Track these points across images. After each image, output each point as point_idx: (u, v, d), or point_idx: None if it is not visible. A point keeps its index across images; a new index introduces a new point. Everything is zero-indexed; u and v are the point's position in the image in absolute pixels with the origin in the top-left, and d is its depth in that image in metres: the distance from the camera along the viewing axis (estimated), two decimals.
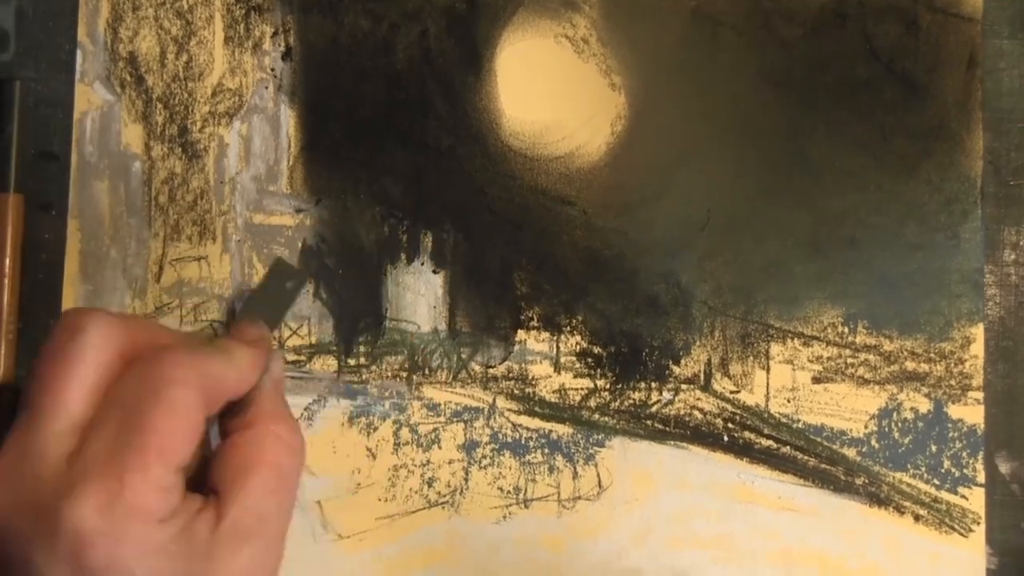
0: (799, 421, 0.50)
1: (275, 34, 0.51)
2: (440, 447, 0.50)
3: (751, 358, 0.51)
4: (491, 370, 0.51)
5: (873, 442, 0.50)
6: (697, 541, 0.50)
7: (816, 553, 0.50)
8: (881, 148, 0.51)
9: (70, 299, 0.50)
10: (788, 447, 0.50)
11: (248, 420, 0.38)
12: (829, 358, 0.51)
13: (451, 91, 0.51)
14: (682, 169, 0.51)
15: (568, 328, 0.51)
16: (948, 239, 0.51)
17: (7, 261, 0.49)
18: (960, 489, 0.50)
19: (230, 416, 0.39)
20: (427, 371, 0.51)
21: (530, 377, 0.51)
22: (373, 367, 0.50)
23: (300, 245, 0.51)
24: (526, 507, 0.50)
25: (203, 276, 0.51)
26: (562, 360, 0.51)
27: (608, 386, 0.51)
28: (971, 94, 0.51)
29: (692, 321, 0.51)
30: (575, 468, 0.50)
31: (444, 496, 0.50)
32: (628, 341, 0.51)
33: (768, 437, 0.50)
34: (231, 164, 0.51)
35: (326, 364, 0.51)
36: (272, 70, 0.51)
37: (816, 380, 0.51)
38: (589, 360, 0.51)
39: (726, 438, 0.50)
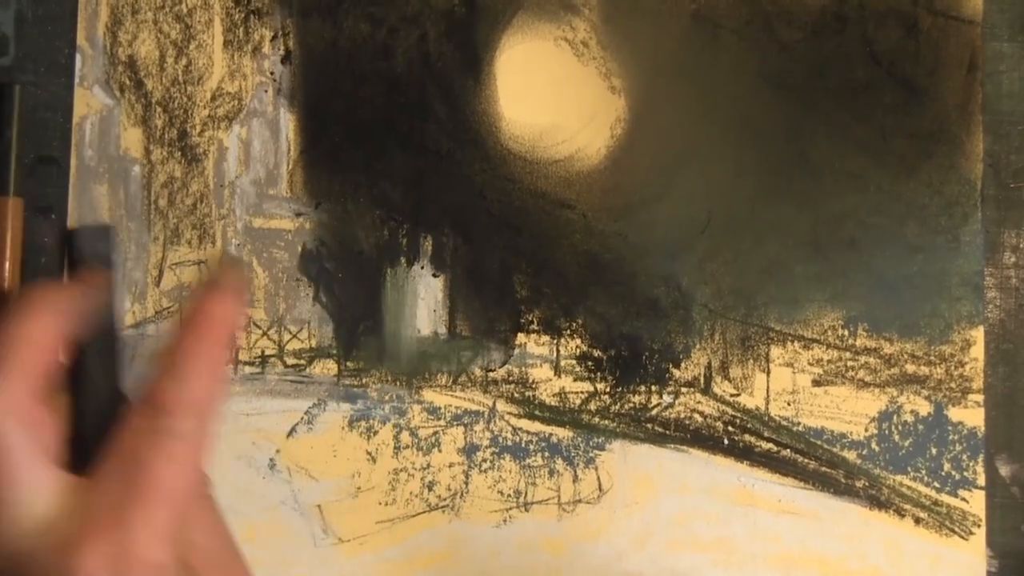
0: (799, 424, 0.50)
1: (274, 38, 0.51)
2: (440, 451, 0.50)
3: (751, 361, 0.51)
4: (491, 374, 0.51)
5: (873, 445, 0.50)
6: (697, 544, 0.50)
7: (816, 556, 0.50)
8: (881, 150, 0.51)
9: None
10: (788, 450, 0.50)
11: None
12: (829, 361, 0.51)
13: (450, 95, 0.51)
14: (682, 172, 0.51)
15: (568, 331, 0.51)
16: (948, 242, 0.51)
17: (7, 264, 0.49)
18: (960, 492, 0.50)
19: None
20: (427, 375, 0.51)
21: (530, 381, 0.51)
22: (373, 371, 0.50)
23: (300, 249, 0.51)
24: (526, 510, 0.50)
25: (203, 280, 0.51)
26: (562, 363, 0.51)
27: (608, 389, 0.51)
28: (971, 97, 0.51)
29: (692, 324, 0.51)
30: (575, 471, 0.50)
31: (444, 500, 0.50)
32: (628, 344, 0.51)
33: (768, 440, 0.50)
34: (231, 168, 0.51)
35: (326, 368, 0.51)
36: (271, 74, 0.51)
37: (816, 383, 0.51)
38: (589, 363, 0.51)
39: (726, 441, 0.50)
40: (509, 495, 0.50)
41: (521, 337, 0.51)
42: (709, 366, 0.51)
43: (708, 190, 0.51)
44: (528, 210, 0.51)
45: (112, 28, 0.51)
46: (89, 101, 0.51)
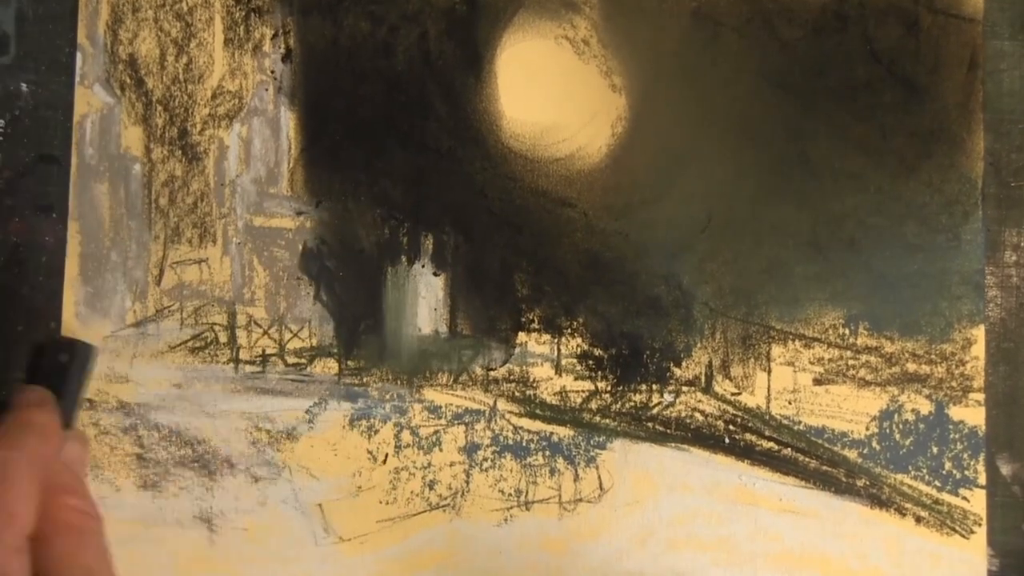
0: (800, 423, 0.50)
1: (275, 36, 0.51)
2: (441, 449, 0.50)
3: (752, 360, 0.51)
4: (492, 372, 0.51)
5: (874, 444, 0.50)
6: (698, 543, 0.50)
7: (817, 555, 0.50)
8: (882, 149, 0.51)
9: (71, 301, 0.50)
10: (789, 449, 0.50)
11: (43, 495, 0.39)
12: (830, 360, 0.51)
13: (451, 93, 0.51)
14: (683, 171, 0.51)
15: (569, 330, 0.51)
16: (949, 240, 0.51)
17: None
18: (961, 491, 0.50)
19: None
20: (428, 373, 0.50)
21: (531, 379, 0.51)
22: (374, 369, 0.50)
23: (300, 247, 0.51)
24: (527, 509, 0.50)
25: (204, 279, 0.51)
26: (563, 362, 0.51)
27: (609, 388, 0.51)
28: (972, 95, 0.51)
29: (693, 323, 0.51)
30: (576, 470, 0.50)
31: (445, 499, 0.50)
32: (629, 343, 0.51)
33: (769, 439, 0.50)
34: (231, 167, 0.51)
35: (327, 367, 0.50)
36: (272, 72, 0.51)
37: (817, 382, 0.51)
38: (590, 362, 0.51)
39: (727, 440, 0.50)
40: (510, 494, 0.50)
41: (522, 336, 0.51)
42: (710, 365, 0.51)
43: (709, 189, 0.51)
44: (529, 209, 0.51)
45: (113, 26, 0.51)
46: (90, 99, 0.51)
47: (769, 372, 0.51)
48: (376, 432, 0.50)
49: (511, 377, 0.51)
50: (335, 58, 0.51)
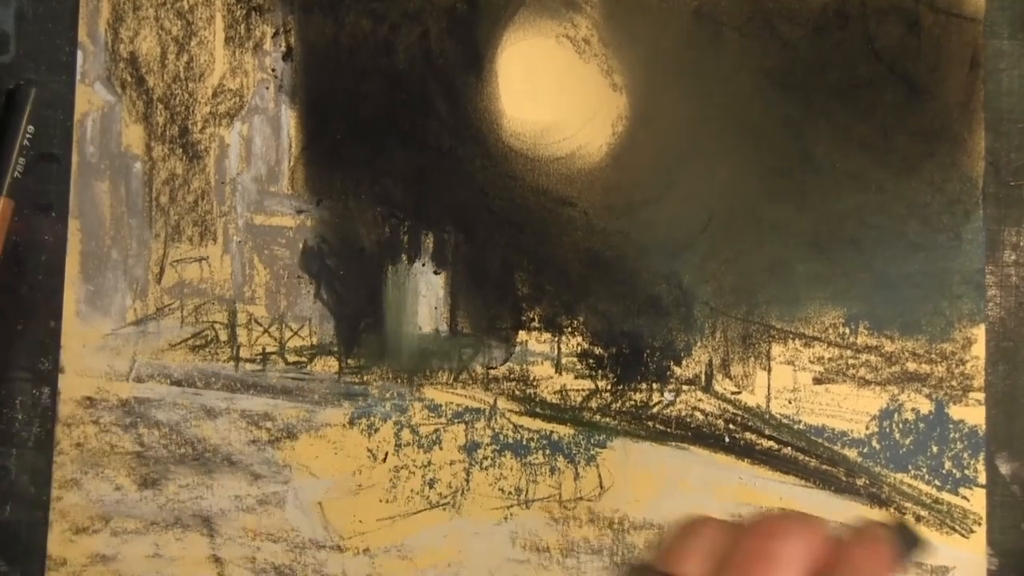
0: (800, 422, 0.50)
1: (276, 34, 0.51)
2: (441, 448, 0.50)
3: (752, 359, 0.51)
4: (492, 371, 0.51)
5: (874, 443, 0.50)
6: None
7: None
8: (883, 148, 0.51)
9: (71, 299, 0.50)
10: (789, 448, 0.50)
11: None
12: (830, 359, 0.51)
13: (452, 91, 0.51)
14: (683, 170, 0.51)
15: (569, 329, 0.51)
16: (950, 240, 0.51)
17: None
18: (961, 490, 0.50)
19: None
20: (428, 372, 0.51)
21: (531, 378, 0.51)
22: (374, 368, 0.50)
23: (301, 246, 0.51)
24: (527, 508, 0.50)
25: (204, 277, 0.51)
26: (563, 361, 0.51)
27: (609, 387, 0.51)
28: (973, 94, 0.51)
29: (693, 322, 0.51)
30: (576, 469, 0.50)
31: (445, 497, 0.50)
32: (629, 342, 0.51)
33: (769, 438, 0.50)
34: (232, 165, 0.51)
35: (327, 365, 0.51)
36: (273, 70, 0.51)
37: (817, 381, 0.51)
38: (590, 361, 0.51)
39: (727, 439, 0.50)
40: (510, 492, 0.50)
41: (522, 335, 0.51)
42: (710, 364, 0.51)
43: (709, 188, 0.51)
44: (529, 207, 0.51)
45: (114, 25, 0.51)
46: (91, 98, 0.51)
47: (769, 371, 0.51)
48: (376, 430, 0.50)
49: (511, 376, 0.51)
50: (336, 56, 0.51)
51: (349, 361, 0.50)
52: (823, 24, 0.51)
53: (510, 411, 0.50)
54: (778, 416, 0.50)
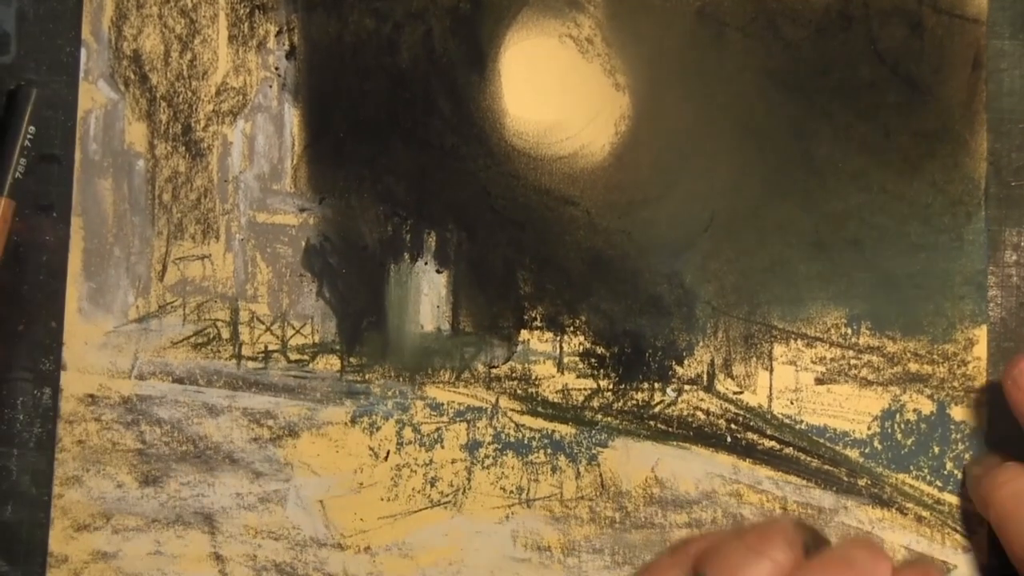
0: (802, 422, 0.50)
1: (279, 33, 0.51)
2: (443, 447, 0.50)
3: (754, 359, 0.51)
4: (494, 370, 0.51)
5: (876, 443, 0.50)
6: None
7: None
8: (885, 149, 0.51)
9: (73, 297, 0.50)
10: (791, 448, 0.50)
11: None
12: (832, 359, 0.51)
13: (455, 90, 0.51)
14: (686, 169, 0.51)
15: (571, 328, 0.51)
16: (952, 240, 0.51)
17: None
18: (963, 491, 0.50)
19: None
20: (430, 371, 0.51)
21: (533, 377, 0.51)
22: (376, 367, 0.50)
23: (303, 244, 0.51)
24: (529, 507, 0.50)
25: (206, 275, 0.51)
26: (565, 360, 0.51)
27: (611, 386, 0.51)
28: (976, 95, 0.51)
29: (695, 321, 0.51)
30: (578, 468, 0.50)
31: (447, 496, 0.50)
32: (631, 341, 0.51)
33: (771, 438, 0.50)
34: (235, 163, 0.51)
35: (329, 363, 0.51)
36: (276, 69, 0.51)
37: (819, 381, 0.51)
38: (592, 360, 0.51)
39: (729, 439, 0.50)
40: (511, 491, 0.50)
41: (524, 334, 0.51)
42: (712, 363, 0.51)
43: (712, 188, 0.51)
44: (532, 206, 0.51)
45: (117, 22, 0.51)
46: (94, 95, 0.51)
47: (771, 371, 0.51)
48: (378, 429, 0.50)
49: (513, 375, 0.51)
50: (339, 55, 0.51)
51: (351, 359, 0.50)
52: (826, 25, 0.51)
53: (512, 410, 0.50)
54: (780, 416, 0.50)
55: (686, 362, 0.51)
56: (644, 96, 0.51)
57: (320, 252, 0.51)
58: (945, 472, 0.50)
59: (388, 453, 0.50)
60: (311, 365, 0.50)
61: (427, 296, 0.51)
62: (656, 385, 0.51)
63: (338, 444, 0.50)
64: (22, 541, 0.51)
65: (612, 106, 0.51)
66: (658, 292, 0.51)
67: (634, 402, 0.51)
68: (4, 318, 0.51)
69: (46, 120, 0.51)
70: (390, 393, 0.50)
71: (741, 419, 0.51)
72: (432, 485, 0.50)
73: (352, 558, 0.50)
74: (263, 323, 0.51)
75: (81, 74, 0.51)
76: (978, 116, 0.51)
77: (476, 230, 0.51)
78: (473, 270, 0.51)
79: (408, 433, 0.50)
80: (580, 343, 0.51)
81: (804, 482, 0.50)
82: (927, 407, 0.50)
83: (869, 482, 0.50)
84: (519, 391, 0.51)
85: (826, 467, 0.50)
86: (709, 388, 0.51)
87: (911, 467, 0.50)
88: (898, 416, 0.50)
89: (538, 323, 0.51)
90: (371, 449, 0.50)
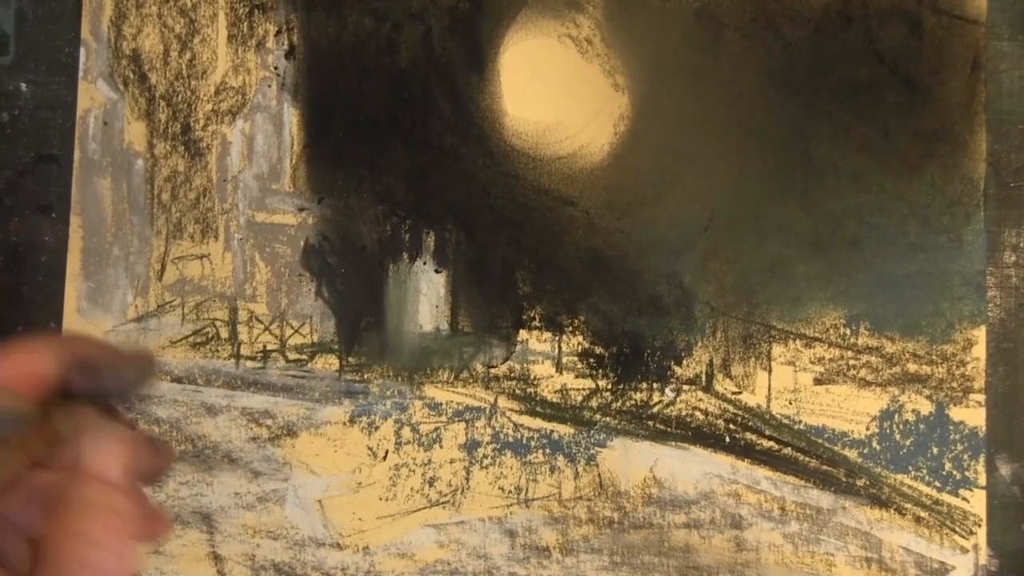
0: (800, 422, 0.50)
1: (279, 32, 0.51)
2: (441, 446, 0.50)
3: (753, 359, 0.51)
4: (493, 370, 0.51)
5: (874, 444, 0.50)
6: (698, 540, 0.50)
7: (818, 553, 0.50)
8: (884, 149, 0.51)
9: (72, 296, 0.50)
10: (789, 448, 0.50)
11: None
12: (831, 360, 0.51)
13: (454, 90, 0.51)
14: (685, 170, 0.51)
15: (570, 328, 0.51)
16: (950, 241, 0.51)
17: None
18: (961, 491, 0.50)
19: None
20: (429, 371, 0.50)
21: (532, 377, 0.51)
22: (375, 366, 0.50)
23: (302, 244, 0.51)
24: (527, 507, 0.50)
25: (205, 274, 0.51)
26: (564, 360, 0.51)
27: (610, 386, 0.51)
28: (975, 96, 0.51)
29: (694, 322, 0.51)
30: (576, 468, 0.50)
31: (445, 495, 0.50)
32: (630, 341, 0.51)
33: (769, 438, 0.50)
34: (234, 162, 0.51)
35: (328, 363, 0.50)
36: (275, 68, 0.51)
37: (818, 381, 0.51)
38: (591, 360, 0.51)
39: (727, 439, 0.50)
40: (510, 491, 0.50)
41: (523, 334, 0.51)
42: (711, 364, 0.51)
43: (711, 188, 0.51)
44: (531, 207, 0.51)
45: (117, 22, 0.51)
46: (93, 95, 0.51)
47: (770, 371, 0.51)
48: (376, 429, 0.50)
49: (512, 374, 0.51)
50: (339, 55, 0.51)
51: (350, 359, 0.50)
52: (825, 25, 0.51)
53: (510, 410, 0.50)
54: (778, 416, 0.50)
55: (685, 362, 0.51)
56: (643, 96, 0.51)
57: (319, 252, 0.51)
58: (944, 472, 0.50)
59: (387, 453, 0.50)
60: (310, 365, 0.50)
61: (426, 296, 0.51)
62: (655, 385, 0.51)
63: (336, 444, 0.50)
64: None
65: (611, 106, 0.51)
66: (657, 292, 0.51)
67: (633, 402, 0.51)
68: (4, 318, 0.51)
69: (45, 120, 0.51)
70: (389, 393, 0.50)
71: (740, 419, 0.50)
72: (431, 485, 0.50)
73: (350, 557, 0.50)
74: (262, 323, 0.51)
75: (80, 73, 0.51)
76: (977, 117, 0.51)
77: (475, 230, 0.51)
78: (472, 270, 0.51)
79: (407, 433, 0.50)
80: (579, 343, 0.51)
81: (802, 482, 0.50)
82: (926, 407, 0.50)
83: (868, 482, 0.50)
84: (518, 391, 0.50)
85: (824, 467, 0.50)
86: (708, 388, 0.51)
87: (910, 467, 0.50)
88: (897, 416, 0.50)
89: (537, 323, 0.51)
90: (370, 449, 0.50)
